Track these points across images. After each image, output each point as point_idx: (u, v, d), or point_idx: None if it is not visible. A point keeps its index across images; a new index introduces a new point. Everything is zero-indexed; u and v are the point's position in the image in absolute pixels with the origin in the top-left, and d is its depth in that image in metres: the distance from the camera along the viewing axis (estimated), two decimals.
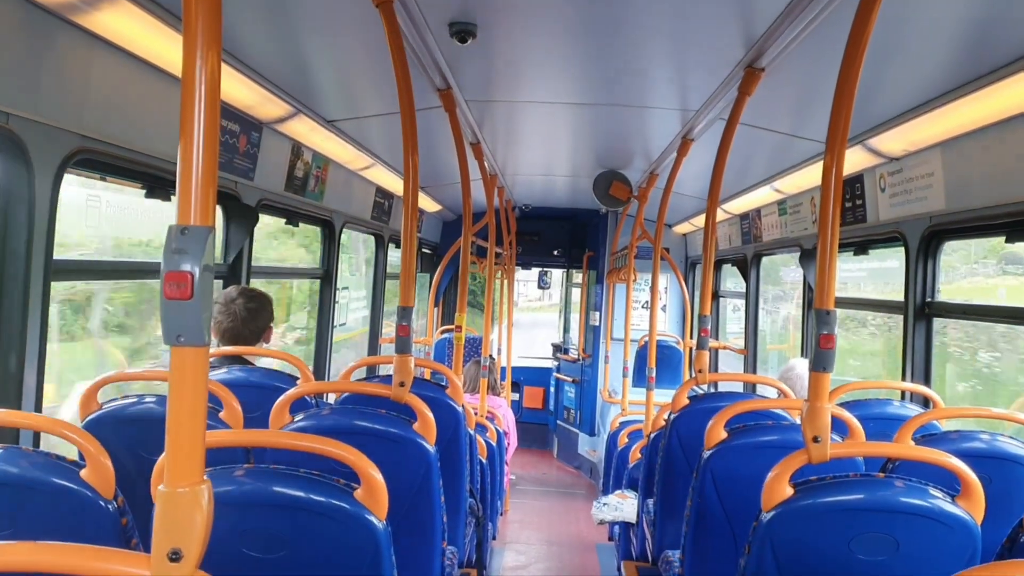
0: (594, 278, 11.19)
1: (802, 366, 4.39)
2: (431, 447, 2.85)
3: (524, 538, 8.21)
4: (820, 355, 2.20)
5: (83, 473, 2.00)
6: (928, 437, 2.99)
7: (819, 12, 2.65)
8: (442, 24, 3.21)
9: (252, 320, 3.81)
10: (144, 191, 3.62)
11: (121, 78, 3.01)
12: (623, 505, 5.38)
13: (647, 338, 6.09)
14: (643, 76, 3.99)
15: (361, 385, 3.38)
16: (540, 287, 13.47)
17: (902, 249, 4.37)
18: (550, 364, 12.45)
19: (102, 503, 1.99)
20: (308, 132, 4.70)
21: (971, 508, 2.15)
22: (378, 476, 2.04)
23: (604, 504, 5.47)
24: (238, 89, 3.70)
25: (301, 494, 2.02)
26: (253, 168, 4.30)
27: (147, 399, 2.84)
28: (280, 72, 3.83)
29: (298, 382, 3.46)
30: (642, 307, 10.25)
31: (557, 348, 12.55)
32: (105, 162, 3.18)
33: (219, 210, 4.42)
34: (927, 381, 4.22)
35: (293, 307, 7.57)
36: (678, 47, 3.49)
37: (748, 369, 7.40)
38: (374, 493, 2.03)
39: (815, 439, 2.20)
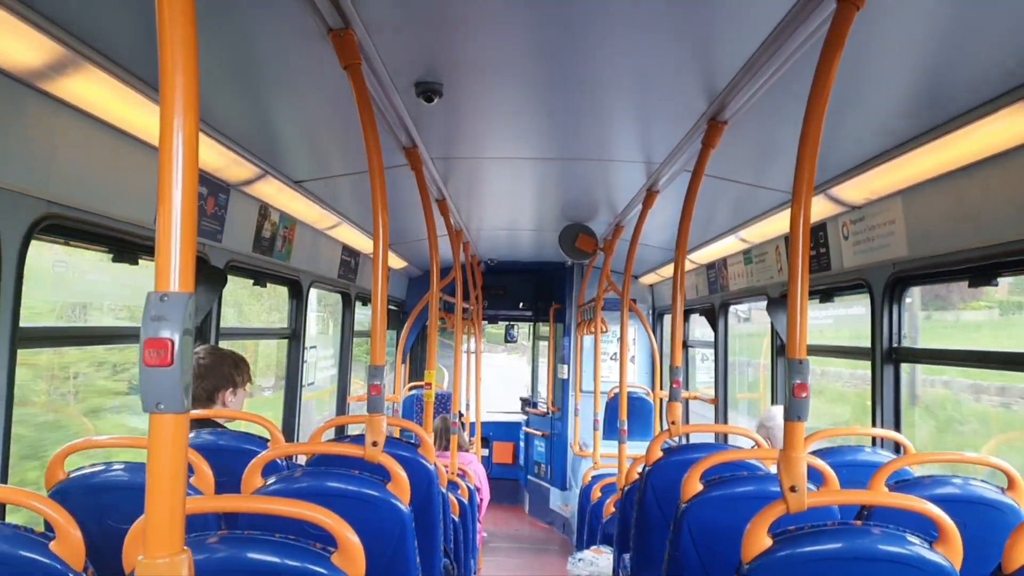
0: (561, 331, 11.19)
1: (782, 414, 4.41)
2: (405, 507, 2.82)
3: None
4: (794, 404, 2.21)
5: (52, 545, 1.95)
6: (901, 483, 3.01)
7: (779, 67, 2.71)
8: (408, 84, 3.24)
9: (203, 377, 3.75)
10: (111, 256, 3.59)
11: (89, 144, 3.00)
12: (599, 560, 5.34)
13: (616, 390, 6.09)
14: (607, 130, 4.04)
15: (333, 446, 3.34)
16: (507, 341, 13.43)
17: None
18: (519, 418, 12.39)
19: (72, 575, 1.94)
20: (275, 193, 4.70)
21: (949, 554, 2.15)
22: (354, 538, 2.01)
23: (580, 560, 5.43)
24: (206, 152, 3.70)
25: (277, 560, 1.98)
26: (221, 230, 4.28)
27: (115, 467, 2.79)
28: (248, 134, 3.84)
29: (268, 444, 3.42)
30: (610, 359, 10.25)
31: (526, 402, 12.50)
32: (72, 227, 3.16)
33: None
34: (897, 426, 4.25)
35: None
36: (641, 101, 3.55)
37: (719, 419, 7.41)
38: (351, 556, 2.00)
39: (792, 489, 2.20)
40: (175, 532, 1.28)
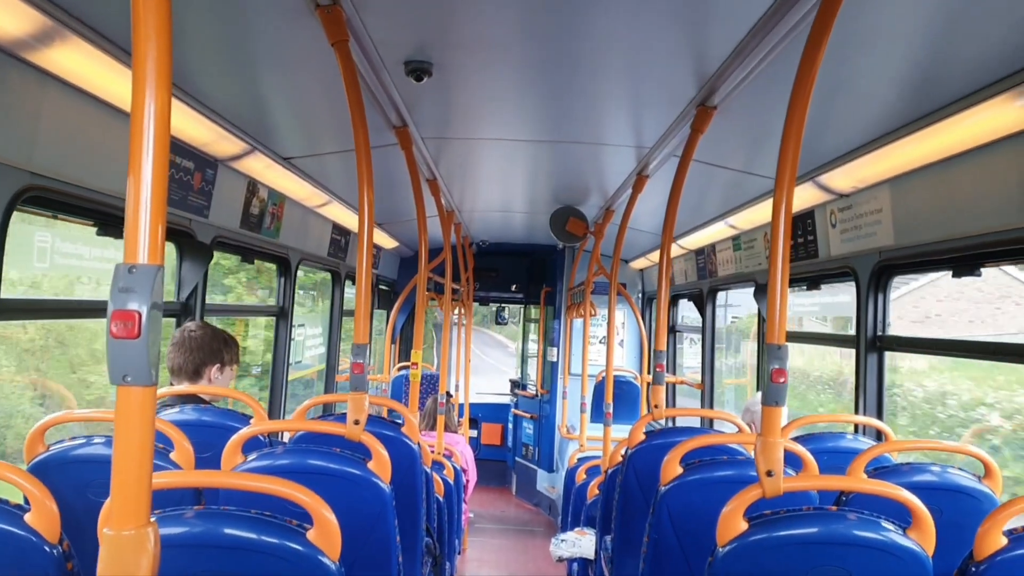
0: (551, 314, 11.20)
1: None
2: (386, 486, 2.83)
3: None
4: (772, 389, 2.21)
5: (27, 517, 1.95)
6: (880, 470, 3.03)
7: (768, 52, 2.70)
8: (398, 62, 3.22)
9: (193, 350, 3.74)
10: (96, 229, 3.57)
11: (73, 115, 2.98)
12: (581, 542, 5.35)
13: (604, 373, 6.11)
14: (598, 114, 4.03)
15: (315, 424, 3.35)
16: (498, 323, 13.45)
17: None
18: (508, 400, 12.42)
19: (47, 548, 1.94)
20: (264, 169, 4.68)
21: (922, 540, 2.17)
22: (331, 516, 2.01)
23: (562, 541, 5.44)
24: (193, 127, 3.68)
25: (253, 536, 1.99)
26: (208, 205, 4.26)
27: (95, 440, 2.78)
28: (236, 109, 3.82)
29: (251, 421, 3.42)
30: (599, 342, 10.27)
31: (515, 384, 12.52)
32: (56, 200, 3.14)
33: (173, 248, 4.37)
34: (879, 414, 4.27)
35: None
36: (632, 85, 3.54)
37: (705, 404, 7.43)
38: (327, 533, 2.00)
39: (768, 473, 2.21)
40: (141, 504, 1.28)
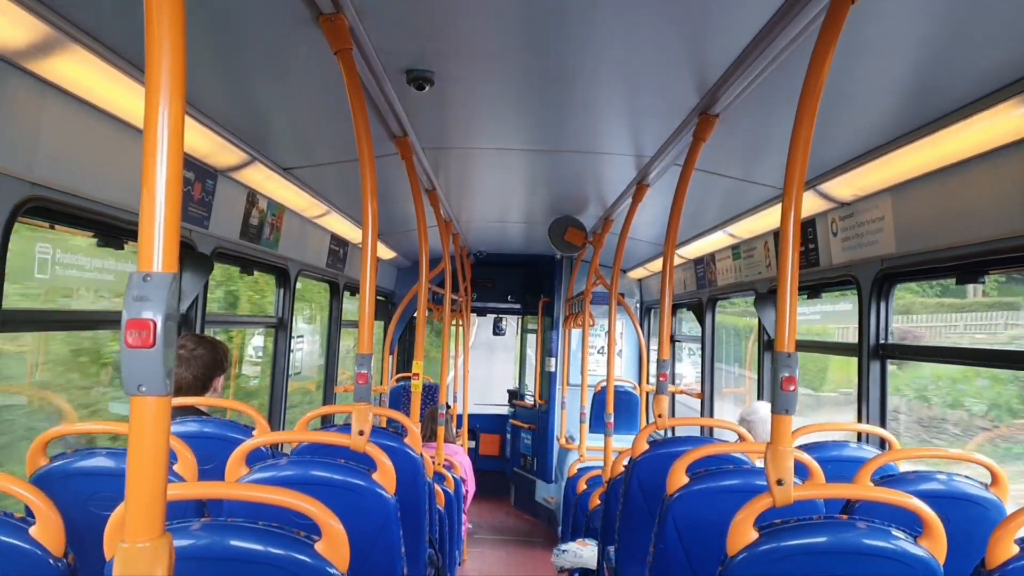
0: (550, 324, 11.19)
1: (765, 409, 4.41)
2: (391, 496, 2.81)
3: None
4: (782, 398, 2.20)
5: (32, 530, 1.93)
6: (886, 478, 3.02)
7: (771, 60, 2.70)
8: (399, 71, 3.22)
9: (198, 366, 3.74)
10: (96, 240, 3.55)
11: (74, 126, 2.97)
12: (583, 552, 5.33)
13: (604, 383, 6.09)
14: (598, 123, 4.03)
15: (320, 435, 3.33)
16: (496, 334, 13.40)
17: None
18: (507, 411, 12.39)
19: (52, 561, 1.93)
20: (263, 180, 4.67)
21: (933, 548, 2.16)
22: (339, 527, 2.00)
23: (564, 551, 5.42)
24: (193, 137, 3.67)
25: (260, 547, 1.97)
26: (208, 216, 4.25)
27: (97, 453, 2.77)
28: (236, 120, 3.81)
29: (253, 433, 3.40)
30: (598, 352, 10.25)
31: (513, 395, 12.48)
32: (57, 210, 3.13)
33: None
34: (883, 423, 4.26)
35: None
36: (633, 94, 3.54)
37: (705, 413, 7.42)
38: (336, 545, 1.99)
39: (779, 482, 2.20)
40: (155, 516, 1.27)
